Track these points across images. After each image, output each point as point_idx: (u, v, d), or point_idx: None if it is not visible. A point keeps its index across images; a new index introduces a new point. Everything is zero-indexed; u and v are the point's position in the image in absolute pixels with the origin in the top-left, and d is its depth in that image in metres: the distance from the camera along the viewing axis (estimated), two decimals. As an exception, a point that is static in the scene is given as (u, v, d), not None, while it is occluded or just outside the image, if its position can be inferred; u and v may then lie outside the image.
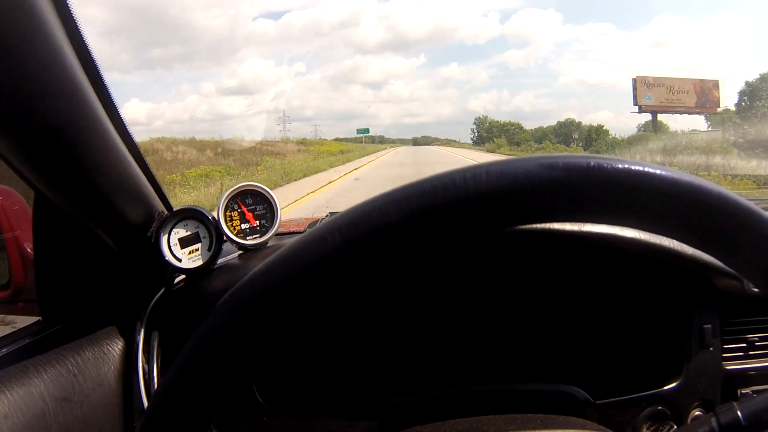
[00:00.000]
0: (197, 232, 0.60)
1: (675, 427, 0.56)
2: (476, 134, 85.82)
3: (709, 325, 0.57)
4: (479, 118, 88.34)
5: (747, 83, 32.41)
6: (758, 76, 31.86)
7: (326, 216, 0.99)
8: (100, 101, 0.42)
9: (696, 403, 0.56)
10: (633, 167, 0.25)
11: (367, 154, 34.62)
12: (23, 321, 0.58)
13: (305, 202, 8.82)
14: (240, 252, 0.66)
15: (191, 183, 11.84)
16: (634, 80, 27.24)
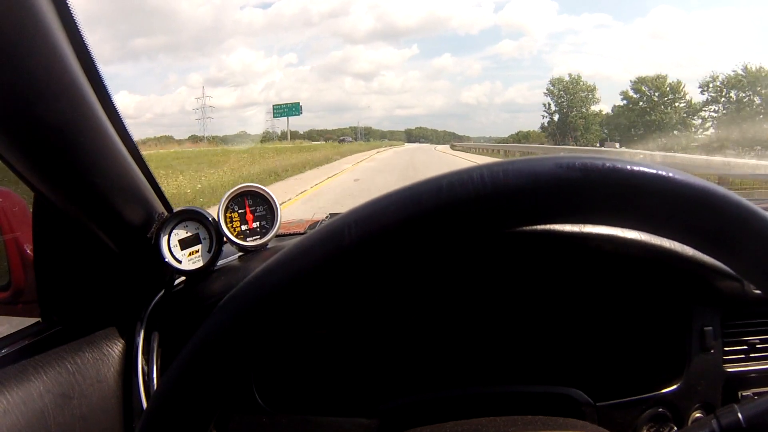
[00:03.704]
0: (197, 233, 0.60)
1: (675, 429, 0.56)
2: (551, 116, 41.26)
3: (710, 327, 0.57)
4: (558, 78, 43.78)
5: None
6: None
7: (326, 217, 0.99)
8: (100, 101, 0.42)
9: (696, 405, 0.56)
10: (639, 169, 0.25)
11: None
12: (23, 322, 0.58)
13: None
14: (240, 253, 0.66)
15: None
16: None
